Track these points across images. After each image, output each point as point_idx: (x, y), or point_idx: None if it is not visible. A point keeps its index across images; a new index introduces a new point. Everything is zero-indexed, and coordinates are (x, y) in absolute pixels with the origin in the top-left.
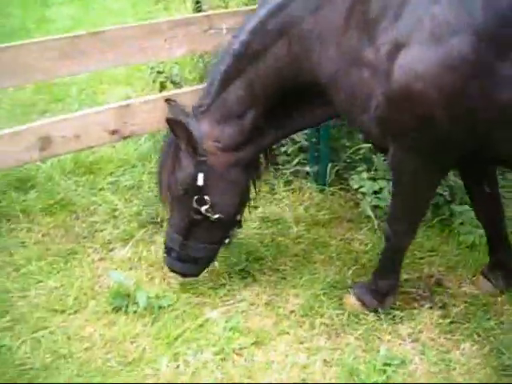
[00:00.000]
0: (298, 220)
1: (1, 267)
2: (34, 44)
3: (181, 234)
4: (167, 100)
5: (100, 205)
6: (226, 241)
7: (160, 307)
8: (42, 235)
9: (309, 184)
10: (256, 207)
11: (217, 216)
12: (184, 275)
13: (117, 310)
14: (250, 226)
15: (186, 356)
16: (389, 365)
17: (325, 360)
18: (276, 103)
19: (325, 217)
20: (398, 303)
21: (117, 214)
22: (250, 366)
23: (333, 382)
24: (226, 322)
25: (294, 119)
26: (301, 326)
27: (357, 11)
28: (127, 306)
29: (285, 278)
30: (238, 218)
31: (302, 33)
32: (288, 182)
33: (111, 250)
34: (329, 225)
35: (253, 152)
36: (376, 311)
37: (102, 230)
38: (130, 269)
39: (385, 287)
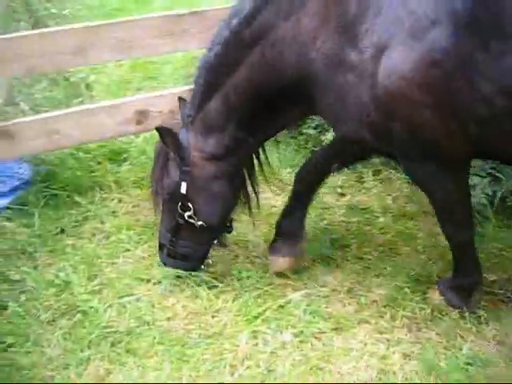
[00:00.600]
0: (386, 210)
1: (92, 234)
2: (137, 21)
3: (170, 233)
4: (179, 98)
5: None
6: (215, 242)
7: (242, 285)
8: (133, 206)
9: (398, 175)
10: (343, 195)
11: (200, 223)
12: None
13: (199, 284)
14: (337, 212)
15: (265, 335)
16: (471, 364)
17: (404, 353)
18: (253, 113)
19: (412, 209)
20: (483, 304)
21: None
22: (328, 350)
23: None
24: (307, 305)
25: (273, 124)
26: (382, 317)
27: (333, 13)
28: (210, 282)
29: (368, 268)
30: (225, 223)
31: (276, 39)
32: (377, 172)
33: None
34: (416, 217)
35: (236, 163)
36: (460, 309)
37: None
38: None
39: (467, 284)
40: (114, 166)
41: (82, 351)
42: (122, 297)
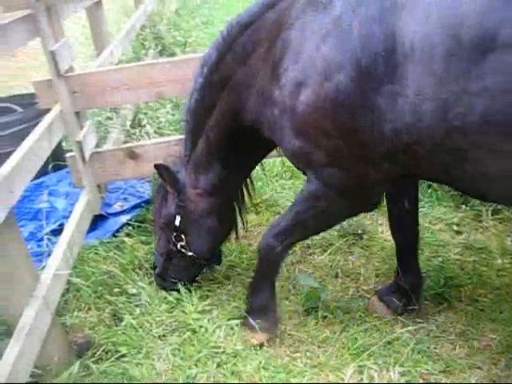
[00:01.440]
0: (504, 252)
1: None
2: None
3: (162, 257)
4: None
5: None
6: (203, 270)
7: (351, 318)
8: (246, 231)
9: None
10: (460, 232)
11: (190, 254)
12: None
13: (308, 312)
14: (452, 250)
15: (371, 370)
16: None
17: None
18: (231, 151)
19: None
20: None
21: None
22: None
23: None
24: (416, 343)
25: (252, 158)
26: (495, 364)
27: (269, 55)
28: (317, 311)
29: (483, 310)
30: (214, 254)
31: (235, 83)
32: (496, 211)
33: (310, 255)
34: None
35: (226, 197)
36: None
37: None
38: (326, 275)
39: (259, 305)
40: None
41: (189, 368)
42: (230, 319)
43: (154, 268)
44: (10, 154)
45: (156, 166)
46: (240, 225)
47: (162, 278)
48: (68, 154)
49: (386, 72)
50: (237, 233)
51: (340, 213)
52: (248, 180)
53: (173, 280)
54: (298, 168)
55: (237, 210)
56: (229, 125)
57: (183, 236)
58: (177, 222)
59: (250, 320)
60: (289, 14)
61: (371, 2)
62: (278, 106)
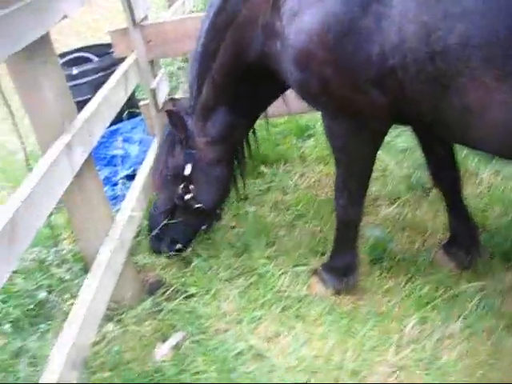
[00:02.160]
0: None
1: (273, 204)
2: None
3: (163, 215)
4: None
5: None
6: (203, 227)
7: (416, 270)
8: (314, 181)
9: None
10: None
11: (198, 205)
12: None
13: (373, 262)
14: None
15: (434, 322)
16: None
17: None
18: (237, 93)
19: None
20: None
21: (387, 173)
22: (498, 348)
23: None
24: (480, 299)
25: (258, 103)
26: None
27: None
28: (382, 261)
29: None
30: (218, 210)
31: (238, 24)
32: None
33: (377, 207)
34: None
35: (233, 145)
36: (337, 290)
37: (370, 186)
38: (393, 227)
39: (343, 265)
40: (299, 142)
41: (254, 310)
42: (296, 265)
43: (149, 231)
44: (87, 101)
45: (168, 112)
46: (240, 183)
47: (158, 240)
48: (142, 102)
49: None
50: (237, 189)
51: (356, 146)
52: (251, 131)
53: (171, 241)
54: (308, 103)
55: (235, 163)
56: (234, 65)
57: (191, 187)
58: (186, 172)
59: (324, 274)
60: None
61: None
62: (279, 37)
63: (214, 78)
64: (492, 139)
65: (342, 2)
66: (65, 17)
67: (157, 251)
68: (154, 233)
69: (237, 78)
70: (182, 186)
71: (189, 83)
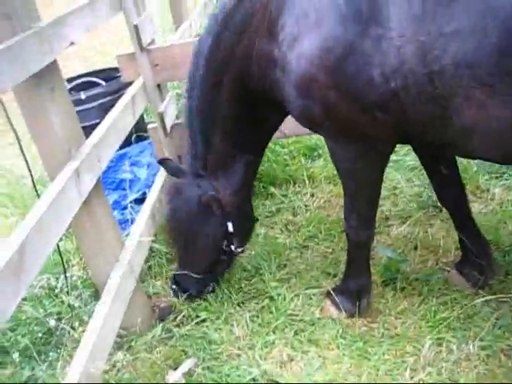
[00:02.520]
0: None
1: (284, 225)
2: None
3: (200, 273)
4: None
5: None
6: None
7: (430, 290)
8: (324, 201)
9: None
10: None
11: (239, 250)
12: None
13: (386, 283)
14: None
15: (450, 343)
16: None
17: None
18: (247, 132)
19: None
20: None
21: (397, 192)
22: None
23: None
24: (497, 318)
25: (265, 134)
26: None
27: (264, 18)
28: (395, 282)
29: None
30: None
31: (237, 61)
32: None
33: (388, 226)
34: None
35: (251, 185)
36: (351, 313)
37: (380, 206)
38: (405, 246)
39: (356, 288)
40: (308, 162)
41: (267, 335)
42: (308, 288)
43: (177, 291)
44: (96, 125)
45: (207, 202)
46: None
47: (199, 292)
48: (150, 126)
49: (370, 15)
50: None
51: (362, 169)
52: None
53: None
54: (309, 129)
55: None
56: (239, 105)
57: (235, 239)
58: (230, 229)
59: (337, 297)
60: None
61: None
62: (278, 65)
63: (222, 126)
64: (489, 149)
65: (341, 26)
66: (72, 43)
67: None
68: (195, 293)
69: (245, 117)
70: (225, 243)
71: (191, 141)
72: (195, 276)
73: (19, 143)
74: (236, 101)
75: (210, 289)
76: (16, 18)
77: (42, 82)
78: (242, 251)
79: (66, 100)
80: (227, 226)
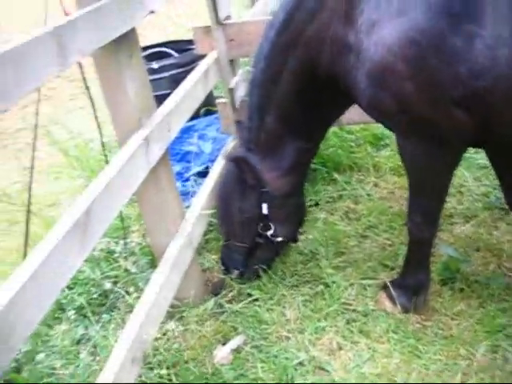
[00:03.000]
0: None
1: (344, 212)
2: None
3: (243, 255)
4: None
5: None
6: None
7: (490, 294)
8: (388, 192)
9: None
10: None
11: (280, 239)
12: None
13: (444, 282)
14: None
15: (506, 352)
16: None
17: None
18: (305, 116)
19: None
20: None
21: (463, 190)
22: None
23: None
24: None
25: (322, 124)
26: None
27: (339, 5)
28: (454, 282)
29: None
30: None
31: (305, 41)
32: None
33: (452, 224)
34: None
35: (304, 172)
36: (406, 309)
37: (446, 202)
38: (468, 246)
39: (415, 284)
40: (374, 151)
41: (318, 321)
42: (364, 278)
43: (226, 270)
44: (165, 95)
45: (234, 160)
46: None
47: (242, 276)
48: (219, 100)
49: (464, 10)
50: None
51: (432, 167)
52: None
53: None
54: (377, 121)
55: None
56: (302, 89)
57: (271, 223)
58: (264, 211)
59: (393, 290)
60: None
61: None
62: (353, 51)
63: (280, 107)
64: None
65: (429, 16)
66: (151, 12)
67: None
68: (235, 275)
69: (304, 102)
70: (261, 225)
71: (248, 114)
72: (237, 254)
73: (93, 108)
74: (297, 83)
75: (255, 272)
76: None
77: (121, 48)
78: (286, 243)
79: (142, 68)
80: (261, 208)
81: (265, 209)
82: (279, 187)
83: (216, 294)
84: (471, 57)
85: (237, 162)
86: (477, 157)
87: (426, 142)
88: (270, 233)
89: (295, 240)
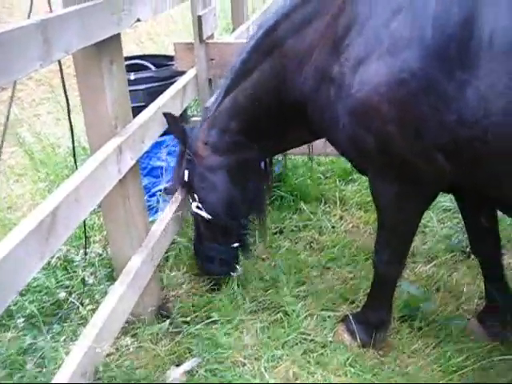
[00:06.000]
0: None
1: (308, 242)
2: None
3: (196, 233)
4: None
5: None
6: (235, 245)
7: (447, 335)
8: (352, 226)
9: None
10: None
11: (206, 215)
12: (205, 274)
13: (403, 320)
14: None
15: None
16: None
17: None
18: (255, 120)
19: None
20: None
21: (427, 230)
22: None
23: None
24: None
25: (277, 141)
26: None
27: (331, 30)
28: (414, 320)
29: None
30: (235, 219)
31: (284, 52)
32: None
33: (414, 263)
34: None
35: (236, 161)
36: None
37: None
38: (428, 286)
39: (375, 320)
40: (342, 184)
41: (275, 348)
42: (324, 309)
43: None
44: (139, 108)
45: (165, 115)
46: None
47: (201, 259)
48: (193, 118)
49: (458, 57)
50: (260, 220)
51: (403, 208)
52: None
53: (211, 258)
54: (350, 161)
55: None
56: (263, 93)
57: (195, 195)
58: (185, 178)
59: (353, 324)
60: None
61: None
62: (335, 83)
63: (237, 96)
64: None
65: (423, 59)
66: (138, 20)
67: (202, 271)
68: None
69: (260, 106)
70: (189, 195)
71: (217, 91)
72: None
73: (68, 112)
74: (263, 88)
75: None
76: None
77: (103, 52)
78: (209, 221)
79: (122, 76)
80: (184, 173)
81: (186, 176)
82: (203, 158)
83: (170, 314)
84: (462, 105)
85: (167, 119)
86: (441, 199)
87: (400, 183)
88: (194, 204)
89: (235, 226)
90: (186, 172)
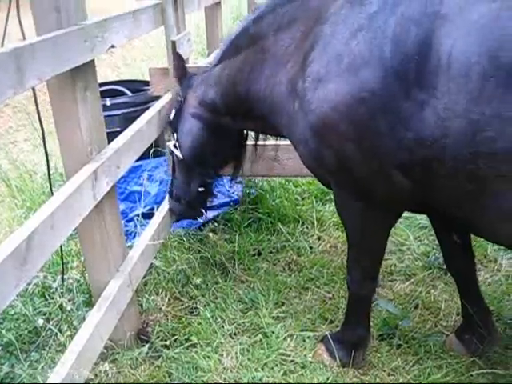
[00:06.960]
0: None
1: (286, 263)
2: None
3: (172, 174)
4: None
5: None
6: (201, 189)
7: (426, 351)
8: (330, 246)
9: None
10: None
11: (180, 155)
12: (173, 214)
13: (382, 338)
14: None
15: None
16: None
17: None
18: (230, 98)
19: None
20: None
21: (404, 248)
22: None
23: None
24: None
25: (244, 122)
26: None
27: (302, 45)
28: (392, 338)
29: None
30: (204, 166)
31: (262, 47)
32: None
33: (392, 281)
34: None
35: (213, 120)
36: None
37: (386, 260)
38: (406, 304)
39: (352, 338)
40: (319, 204)
41: (255, 370)
42: (303, 330)
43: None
44: (115, 133)
45: (175, 53)
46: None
47: (171, 197)
48: (170, 143)
49: (416, 77)
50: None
51: (369, 225)
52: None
53: (178, 197)
54: (315, 175)
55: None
56: (238, 77)
57: (175, 134)
58: (171, 116)
59: (332, 344)
60: (327, 7)
61: (412, 4)
62: (299, 97)
63: (223, 70)
64: None
65: (381, 79)
66: (112, 46)
67: (175, 213)
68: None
69: (234, 90)
70: (170, 132)
71: (220, 47)
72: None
73: (43, 139)
74: (239, 68)
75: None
76: (64, 12)
77: (77, 79)
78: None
79: (96, 102)
80: (171, 111)
81: (172, 114)
82: (189, 105)
83: (149, 339)
84: (420, 125)
85: (176, 55)
86: (418, 217)
87: (363, 202)
88: (172, 143)
89: (203, 171)
90: (173, 112)
